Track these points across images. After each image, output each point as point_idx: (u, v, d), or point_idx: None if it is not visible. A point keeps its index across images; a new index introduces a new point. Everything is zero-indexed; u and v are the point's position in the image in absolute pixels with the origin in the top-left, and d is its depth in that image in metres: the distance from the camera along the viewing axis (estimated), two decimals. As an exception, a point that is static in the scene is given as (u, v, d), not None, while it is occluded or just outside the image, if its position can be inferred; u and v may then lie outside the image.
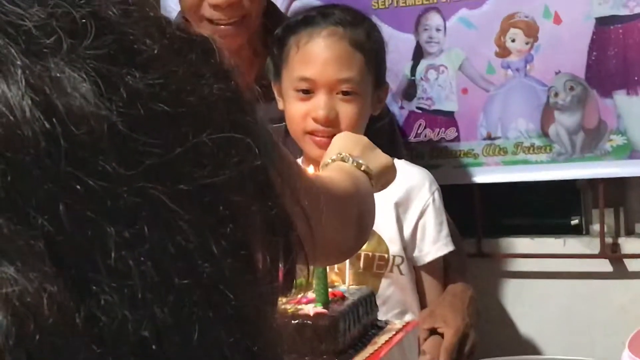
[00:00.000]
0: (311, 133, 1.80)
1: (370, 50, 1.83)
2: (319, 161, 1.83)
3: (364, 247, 1.79)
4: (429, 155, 2.30)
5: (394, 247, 1.84)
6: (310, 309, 1.18)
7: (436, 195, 1.91)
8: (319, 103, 1.77)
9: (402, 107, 2.33)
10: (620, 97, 2.17)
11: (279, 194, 0.66)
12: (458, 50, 2.26)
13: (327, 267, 1.28)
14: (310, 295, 1.26)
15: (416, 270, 1.90)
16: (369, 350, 1.22)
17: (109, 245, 0.50)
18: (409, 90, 2.33)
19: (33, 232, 0.48)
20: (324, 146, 1.80)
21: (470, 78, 2.26)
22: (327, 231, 0.90)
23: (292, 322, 1.16)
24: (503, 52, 2.23)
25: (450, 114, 2.29)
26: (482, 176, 2.27)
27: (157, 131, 0.54)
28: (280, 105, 1.85)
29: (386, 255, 1.83)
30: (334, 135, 1.78)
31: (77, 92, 0.51)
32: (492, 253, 2.34)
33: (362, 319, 1.27)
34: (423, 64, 2.31)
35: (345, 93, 1.78)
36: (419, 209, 1.88)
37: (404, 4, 2.29)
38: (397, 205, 1.86)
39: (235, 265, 0.57)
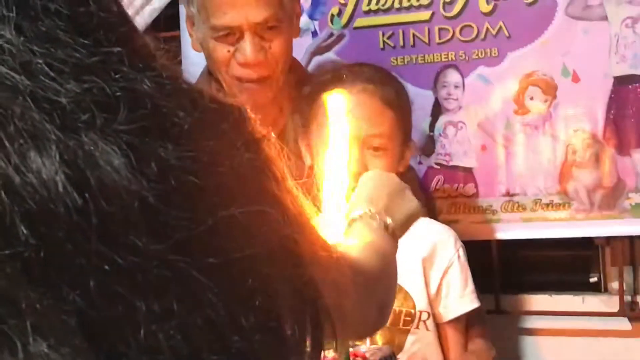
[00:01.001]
0: None
1: (399, 108, 1.87)
2: None
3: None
4: (447, 211, 2.30)
5: (421, 303, 1.85)
6: (332, 369, 1.18)
7: (461, 252, 1.93)
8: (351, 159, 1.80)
9: (420, 163, 2.34)
10: (638, 155, 2.17)
11: (308, 262, 0.66)
12: (476, 107, 2.28)
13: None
14: (331, 355, 1.26)
15: (440, 326, 1.90)
16: (390, 412, 1.22)
17: (139, 319, 0.51)
18: (428, 146, 2.34)
19: (66, 307, 0.49)
20: None
21: (489, 135, 2.28)
22: (353, 308, 0.90)
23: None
24: (522, 109, 2.24)
25: (469, 170, 2.30)
26: (500, 232, 2.27)
27: (188, 204, 0.55)
28: (308, 161, 1.86)
29: (413, 311, 1.84)
30: None
31: (110, 166, 0.52)
32: (510, 310, 2.33)
33: (382, 380, 1.27)
34: (442, 120, 2.32)
35: (375, 149, 1.81)
36: (445, 265, 1.89)
37: (422, 61, 2.32)
38: (424, 261, 1.88)
39: (265, 338, 0.58)
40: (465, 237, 2.14)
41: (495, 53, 2.24)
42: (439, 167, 2.33)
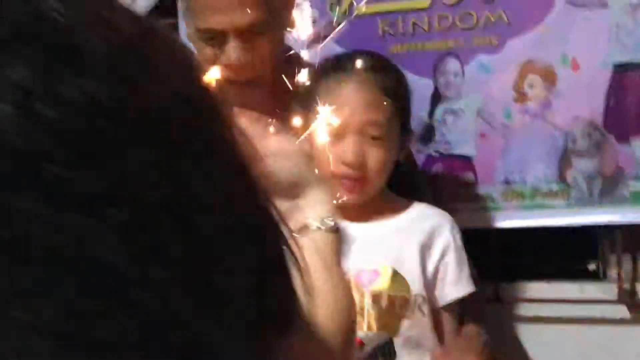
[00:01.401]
0: (340, 176, 1.83)
1: (399, 97, 1.88)
2: (345, 206, 1.87)
3: (387, 287, 1.81)
4: (446, 200, 2.30)
5: (416, 288, 1.86)
6: (329, 356, 1.18)
7: (457, 236, 1.94)
8: (349, 147, 1.81)
9: (419, 151, 2.34)
10: (638, 143, 2.17)
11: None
12: (476, 95, 2.28)
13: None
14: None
15: (435, 311, 1.90)
16: (388, 398, 1.22)
17: None
18: (427, 134, 2.34)
19: None
20: (351, 191, 1.84)
21: (489, 123, 2.27)
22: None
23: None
24: (521, 97, 2.24)
25: (468, 159, 2.30)
26: (499, 221, 2.28)
27: None
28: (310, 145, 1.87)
29: (408, 296, 1.84)
30: (362, 177, 1.83)
31: None
32: (509, 298, 2.34)
33: (380, 366, 1.26)
34: (441, 108, 2.32)
35: (373, 137, 1.81)
36: (441, 250, 1.90)
37: (422, 49, 2.31)
38: (420, 247, 1.88)
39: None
40: (464, 225, 2.14)
41: (495, 41, 2.24)
42: (437, 155, 2.33)
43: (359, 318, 1.77)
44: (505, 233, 2.31)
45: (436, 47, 2.30)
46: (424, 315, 1.86)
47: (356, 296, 1.80)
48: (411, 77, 2.29)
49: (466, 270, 1.93)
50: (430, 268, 1.89)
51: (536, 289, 2.33)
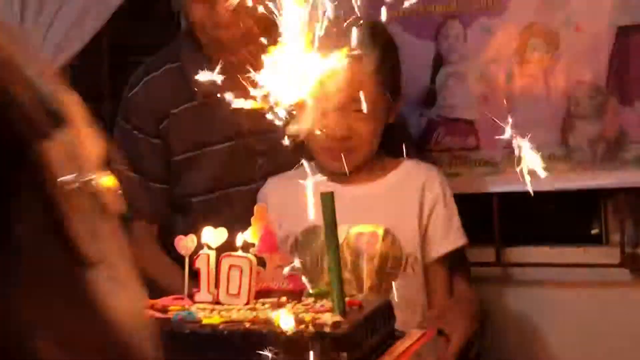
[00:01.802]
0: (328, 149, 1.86)
1: (386, 70, 1.87)
2: (335, 172, 1.86)
3: (379, 247, 1.82)
4: (448, 164, 2.29)
5: (408, 246, 1.87)
6: (328, 318, 1.18)
7: (447, 190, 1.94)
8: (334, 122, 1.81)
9: (421, 115, 2.33)
10: (641, 106, 2.16)
11: None
12: (478, 58, 2.26)
13: (343, 274, 1.28)
14: (329, 304, 1.26)
15: (426, 267, 1.91)
16: (387, 359, 1.22)
17: None
18: (429, 98, 2.32)
19: None
20: (340, 162, 1.83)
21: (491, 86, 2.26)
22: None
23: (310, 330, 1.17)
24: (523, 60, 2.22)
25: (470, 123, 2.29)
26: (501, 185, 2.27)
27: None
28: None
29: (400, 255, 1.85)
30: (348, 149, 1.84)
31: None
32: (510, 262, 2.34)
33: (379, 329, 1.27)
34: (443, 72, 2.31)
35: (359, 111, 1.79)
36: (430, 205, 1.91)
37: (424, 12, 2.29)
38: (410, 204, 1.89)
39: None
40: (466, 190, 2.14)
41: (497, 4, 2.22)
42: (439, 119, 2.32)
43: (350, 276, 1.78)
44: (506, 197, 2.30)
45: (439, 10, 2.28)
46: (416, 274, 1.87)
47: (350, 258, 1.81)
48: (413, 41, 2.29)
49: (456, 222, 1.93)
50: (421, 224, 1.90)
51: (538, 253, 2.33)
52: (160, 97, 2.08)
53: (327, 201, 1.24)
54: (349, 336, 1.17)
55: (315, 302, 1.31)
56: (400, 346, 1.29)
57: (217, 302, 1.34)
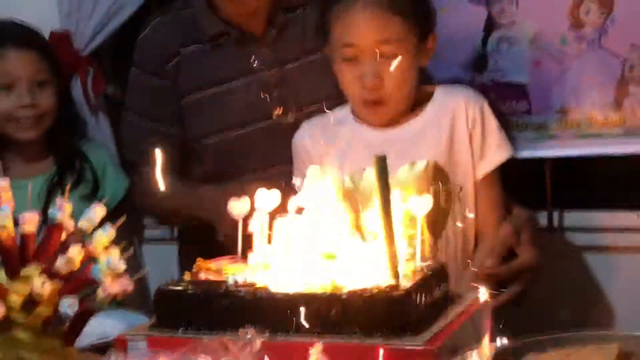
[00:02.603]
0: (362, 98, 1.85)
1: (409, 10, 1.83)
2: (375, 125, 1.88)
3: (430, 180, 1.82)
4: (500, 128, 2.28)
5: (458, 177, 1.86)
6: (383, 282, 1.19)
7: (484, 109, 1.91)
8: (365, 69, 1.80)
9: (473, 79, 2.31)
10: None
11: None
12: (530, 22, 2.23)
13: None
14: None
15: (476, 189, 1.89)
16: (441, 322, 1.22)
17: None
18: (480, 62, 2.30)
19: None
20: (376, 113, 1.85)
21: (543, 50, 2.23)
22: None
23: (365, 294, 1.17)
24: (577, 23, 2.19)
25: (522, 87, 2.26)
26: (554, 150, 2.25)
27: None
28: (335, 68, 1.88)
29: (450, 187, 1.85)
30: (382, 99, 1.82)
31: None
32: (564, 226, 2.32)
33: (433, 292, 1.27)
34: (494, 36, 2.28)
35: (389, 57, 1.79)
36: (466, 129, 1.89)
37: (476, -24, 2.27)
38: (447, 134, 1.88)
39: None
40: (518, 154, 2.12)
41: (550, -34, 2.19)
42: (491, 83, 2.30)
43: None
44: (559, 161, 2.28)
45: (490, -27, 2.26)
46: (466, 207, 1.86)
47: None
48: (464, 5, 2.27)
49: (495, 139, 1.91)
50: (462, 151, 1.88)
51: (591, 217, 2.30)
52: (167, 37, 2.09)
53: (380, 164, 1.24)
54: (403, 299, 1.17)
55: (369, 265, 1.31)
56: (454, 310, 1.29)
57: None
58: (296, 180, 1.75)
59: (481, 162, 1.89)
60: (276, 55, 2.06)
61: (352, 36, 1.82)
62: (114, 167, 2.49)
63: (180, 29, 2.09)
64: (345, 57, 1.83)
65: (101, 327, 1.49)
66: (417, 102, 1.91)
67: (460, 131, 1.88)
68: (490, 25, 2.28)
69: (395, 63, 1.79)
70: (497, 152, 1.90)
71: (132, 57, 2.18)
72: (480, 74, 2.30)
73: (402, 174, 1.83)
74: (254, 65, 2.02)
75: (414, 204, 1.35)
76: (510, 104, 2.26)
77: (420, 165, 1.85)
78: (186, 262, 2.08)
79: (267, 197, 1.40)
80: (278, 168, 2.01)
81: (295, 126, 2.01)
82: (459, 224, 1.86)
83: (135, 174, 2.20)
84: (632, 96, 2.17)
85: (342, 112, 1.94)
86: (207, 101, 2.05)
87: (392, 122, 1.89)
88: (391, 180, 1.74)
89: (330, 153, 1.77)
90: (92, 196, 2.33)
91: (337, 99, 1.97)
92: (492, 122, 1.91)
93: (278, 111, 2.02)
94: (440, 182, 1.84)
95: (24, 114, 2.32)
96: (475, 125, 1.89)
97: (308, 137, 1.95)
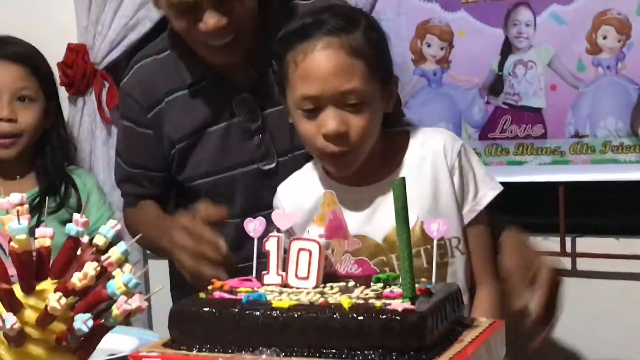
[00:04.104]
0: (323, 151, 1.70)
1: (370, 54, 1.69)
2: (337, 178, 1.76)
3: (421, 242, 1.67)
4: (514, 152, 2.28)
5: (447, 231, 1.77)
6: (398, 305, 1.18)
7: (462, 151, 1.77)
8: (327, 119, 1.67)
9: (488, 102, 2.32)
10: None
11: None
12: (547, 46, 2.24)
13: (413, 261, 1.28)
14: (397, 290, 1.26)
15: (466, 233, 1.77)
16: (456, 347, 1.21)
17: None
18: (496, 86, 2.31)
19: None
20: (340, 164, 1.71)
21: (560, 75, 2.24)
22: None
23: (380, 317, 1.17)
24: (594, 49, 2.20)
25: (537, 111, 2.27)
26: (568, 174, 2.24)
27: None
28: (291, 119, 1.76)
29: (443, 242, 1.72)
30: (347, 150, 1.68)
31: None
32: (575, 252, 2.31)
33: (449, 316, 1.26)
34: (511, 59, 2.29)
35: (353, 105, 1.66)
36: (448, 177, 1.75)
37: (494, -1, 2.28)
38: (431, 186, 1.75)
39: None
40: (532, 178, 2.12)
41: (571, -12, 2.20)
42: (507, 107, 2.30)
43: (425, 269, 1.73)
44: (572, 186, 2.27)
45: (508, -4, 2.26)
46: (463, 254, 1.76)
47: (393, 257, 1.71)
48: (482, 27, 2.27)
49: (483, 177, 1.77)
50: (447, 200, 1.75)
51: (604, 244, 2.30)
52: (151, 83, 2.04)
53: (399, 188, 1.23)
54: (419, 324, 1.16)
55: (384, 287, 1.31)
56: (469, 334, 1.28)
57: (285, 285, 1.35)
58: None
59: (467, 207, 1.77)
60: (256, 100, 2.03)
61: (310, 87, 1.68)
62: (100, 196, 2.49)
63: (163, 75, 2.04)
64: (305, 109, 1.69)
65: (113, 343, 1.48)
66: (390, 151, 1.79)
67: (443, 181, 1.75)
68: (507, 49, 2.28)
69: (361, 112, 1.67)
70: (482, 193, 1.78)
71: (119, 104, 2.18)
72: (496, 97, 2.30)
73: (391, 236, 1.71)
74: (234, 110, 2.00)
75: (429, 229, 1.35)
76: (526, 127, 2.26)
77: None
78: (176, 278, 2.09)
79: (283, 218, 1.40)
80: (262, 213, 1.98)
81: (277, 172, 1.98)
82: (461, 273, 1.77)
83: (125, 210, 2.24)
84: (647, 122, 2.17)
85: (314, 171, 1.83)
86: (190, 147, 2.03)
87: (367, 178, 1.76)
88: (380, 242, 1.70)
89: (304, 216, 1.68)
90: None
91: None
92: (473, 163, 1.79)
93: (260, 156, 2.01)
94: (430, 241, 1.73)
95: (1, 127, 2.30)
96: (455, 171, 1.76)
97: (283, 203, 1.83)
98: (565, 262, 2.28)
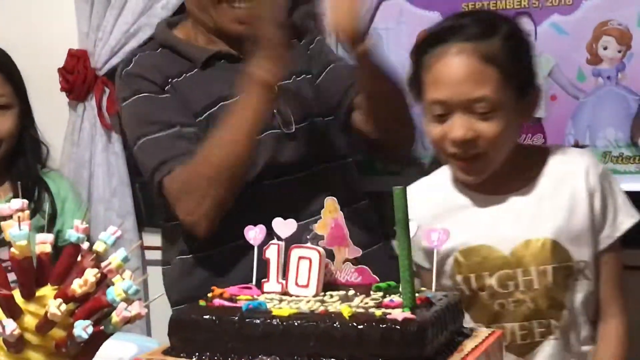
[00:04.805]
0: (452, 156, 1.72)
1: (506, 62, 1.67)
2: (467, 185, 1.78)
3: (550, 260, 1.70)
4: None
5: (579, 253, 1.74)
6: (398, 314, 1.18)
7: (605, 173, 1.77)
8: (454, 125, 1.68)
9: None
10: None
11: None
12: (548, 56, 2.24)
13: (414, 272, 1.28)
14: (397, 299, 1.26)
15: (599, 260, 1.77)
16: (456, 357, 1.21)
17: None
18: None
19: None
20: (467, 171, 1.73)
21: (560, 85, 2.24)
22: None
23: (380, 326, 1.17)
24: (594, 59, 2.20)
25: (537, 120, 2.27)
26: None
27: None
28: (424, 122, 1.78)
29: (571, 264, 1.73)
30: (476, 156, 1.69)
31: None
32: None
33: (448, 326, 1.26)
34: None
35: (481, 114, 1.66)
36: (588, 197, 1.74)
37: (494, 8, 2.28)
38: (567, 207, 1.74)
39: None
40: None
41: (569, 1, 2.20)
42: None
43: (529, 300, 1.73)
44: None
45: (509, 6, 2.26)
46: (589, 281, 1.75)
47: (522, 278, 1.73)
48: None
49: (619, 203, 1.76)
50: (583, 222, 1.74)
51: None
52: (157, 66, 2.07)
53: (400, 197, 1.23)
54: (419, 333, 1.16)
55: (384, 296, 1.31)
56: (469, 344, 1.28)
57: (285, 293, 1.35)
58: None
59: (604, 232, 1.76)
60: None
61: (440, 92, 1.69)
62: (76, 202, 2.44)
63: (167, 62, 2.08)
64: (435, 113, 1.70)
65: (111, 349, 1.48)
66: (525, 165, 1.78)
67: (580, 203, 1.74)
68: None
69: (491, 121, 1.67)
70: (620, 220, 1.77)
71: (121, 90, 2.10)
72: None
73: (519, 251, 1.74)
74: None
75: (429, 238, 1.35)
76: (526, 137, 2.26)
77: (537, 243, 1.73)
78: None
79: (283, 226, 1.40)
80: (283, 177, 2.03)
81: (295, 136, 2.04)
82: (580, 300, 1.76)
83: (172, 182, 1.98)
84: (646, 133, 2.17)
85: (444, 176, 1.83)
86: (212, 118, 2.03)
87: (498, 188, 1.77)
88: (507, 256, 1.72)
89: (437, 219, 1.70)
90: (49, 228, 2.25)
91: (329, 115, 2.09)
92: (614, 188, 1.78)
93: (281, 122, 2.03)
94: (559, 260, 1.72)
95: None
96: (596, 194, 1.74)
97: (414, 200, 1.84)
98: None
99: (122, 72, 2.09)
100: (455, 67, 1.67)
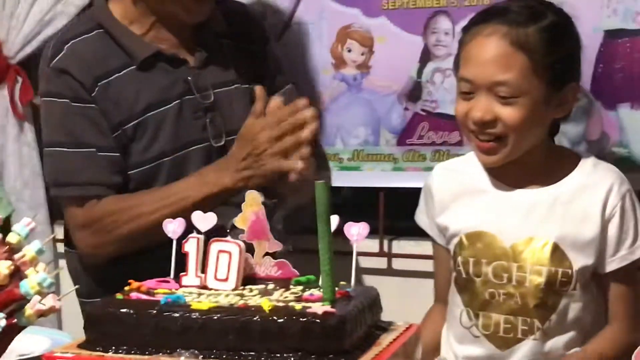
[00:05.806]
0: (473, 134, 1.75)
1: (540, 50, 1.68)
2: (493, 172, 1.79)
3: (547, 262, 1.72)
4: (432, 158, 2.30)
5: (579, 262, 1.74)
6: (318, 308, 1.18)
7: (628, 196, 1.76)
8: (476, 105, 1.70)
9: (406, 109, 2.34)
10: (624, 110, 2.18)
11: None
12: (465, 54, 2.26)
13: (334, 265, 1.28)
14: (317, 293, 1.26)
15: (600, 281, 1.79)
16: (374, 350, 1.22)
17: None
18: (414, 92, 2.33)
19: None
20: (487, 150, 1.74)
21: (476, 83, 2.27)
22: None
23: (300, 320, 1.17)
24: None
25: (454, 118, 2.28)
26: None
27: None
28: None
29: (569, 272, 1.74)
30: (496, 138, 1.70)
31: None
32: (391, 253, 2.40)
33: (367, 320, 1.27)
34: (430, 67, 2.31)
35: (503, 97, 1.68)
36: (609, 214, 1.75)
37: (413, 6, 2.30)
38: (586, 216, 1.76)
39: None
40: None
41: (487, 1, 2.23)
42: (424, 113, 2.32)
43: (518, 296, 1.75)
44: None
45: (428, 4, 2.28)
46: (585, 292, 1.76)
47: (516, 272, 1.75)
48: (401, 34, 2.29)
49: (631, 234, 1.76)
50: (595, 236, 1.75)
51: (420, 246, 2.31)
52: (90, 61, 1.98)
53: (322, 191, 1.23)
54: (339, 327, 1.16)
55: (303, 290, 1.31)
56: (387, 338, 1.29)
57: (204, 287, 1.34)
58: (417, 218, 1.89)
59: (621, 252, 1.76)
60: (207, 79, 2.03)
61: (467, 70, 1.72)
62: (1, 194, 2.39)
63: (106, 52, 1.99)
64: (462, 90, 1.74)
65: (24, 343, 1.45)
66: (554, 166, 1.79)
67: (593, 218, 1.74)
68: (426, 56, 2.31)
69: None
70: (633, 249, 1.77)
71: (44, 84, 2.03)
72: (414, 103, 2.32)
73: (519, 246, 1.77)
74: (187, 88, 1.99)
75: (349, 232, 1.36)
76: (443, 134, 2.29)
77: (539, 243, 1.76)
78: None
79: (203, 218, 1.39)
80: None
81: (227, 150, 1.97)
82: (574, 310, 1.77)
83: (76, 209, 1.98)
84: (560, 133, 2.18)
85: (474, 159, 1.84)
86: (142, 127, 1.99)
87: (528, 181, 1.79)
88: (507, 248, 1.74)
89: (455, 200, 1.79)
90: None
91: None
92: (637, 211, 1.77)
93: (212, 135, 2.00)
94: (556, 264, 1.74)
95: None
96: (615, 213, 1.75)
97: (436, 181, 1.89)
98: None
99: (49, 61, 2.00)
100: (484, 47, 1.71)
